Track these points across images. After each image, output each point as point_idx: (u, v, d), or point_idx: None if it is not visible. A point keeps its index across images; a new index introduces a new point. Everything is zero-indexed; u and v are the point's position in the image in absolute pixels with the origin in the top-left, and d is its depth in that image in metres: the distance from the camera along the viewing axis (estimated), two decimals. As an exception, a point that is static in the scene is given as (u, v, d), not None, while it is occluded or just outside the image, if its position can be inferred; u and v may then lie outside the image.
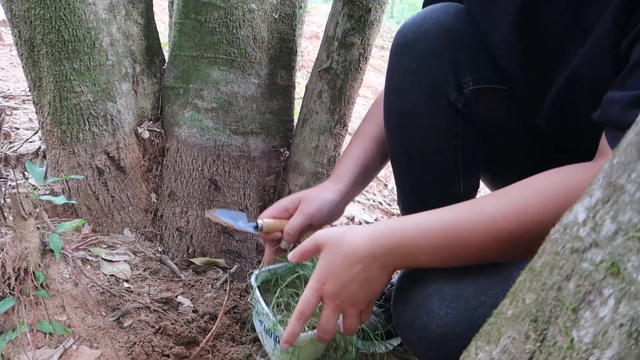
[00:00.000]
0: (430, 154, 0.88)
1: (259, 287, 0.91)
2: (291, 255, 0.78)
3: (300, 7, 1.26)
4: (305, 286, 0.74)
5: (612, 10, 0.61)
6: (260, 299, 0.86)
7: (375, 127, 0.99)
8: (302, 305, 0.71)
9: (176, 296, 1.13)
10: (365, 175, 1.01)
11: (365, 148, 0.98)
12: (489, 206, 0.64)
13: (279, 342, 0.84)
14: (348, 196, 0.98)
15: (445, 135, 0.84)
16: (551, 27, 0.72)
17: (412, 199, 0.97)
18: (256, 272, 0.93)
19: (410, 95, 0.84)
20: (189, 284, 1.19)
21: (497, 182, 1.03)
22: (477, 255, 0.65)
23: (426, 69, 0.81)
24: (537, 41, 0.74)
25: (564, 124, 0.77)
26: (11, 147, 1.46)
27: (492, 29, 0.79)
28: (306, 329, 0.81)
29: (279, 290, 0.88)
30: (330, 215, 0.95)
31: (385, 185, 2.18)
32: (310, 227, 0.94)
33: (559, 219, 0.57)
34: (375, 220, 1.79)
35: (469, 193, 0.93)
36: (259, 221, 0.92)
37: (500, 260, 0.67)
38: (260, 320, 0.89)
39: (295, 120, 1.31)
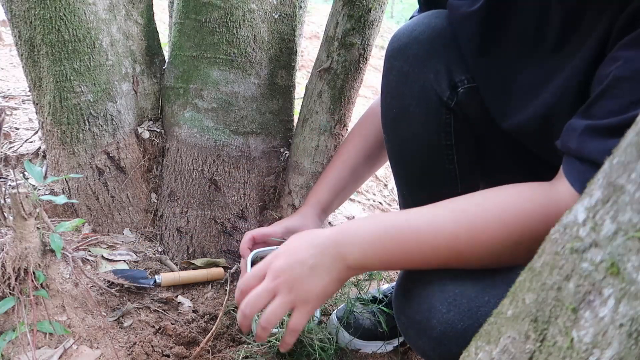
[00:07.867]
0: (425, 154, 0.89)
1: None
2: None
3: (300, 7, 1.26)
4: None
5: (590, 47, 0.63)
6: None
7: (352, 149, 1.09)
8: (244, 278, 0.74)
9: (176, 296, 1.13)
10: (341, 199, 1.11)
11: (341, 175, 1.08)
12: (439, 216, 0.67)
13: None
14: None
15: (437, 134, 0.86)
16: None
17: (412, 201, 0.97)
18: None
19: (403, 95, 0.86)
20: (189, 284, 1.19)
21: (493, 185, 1.04)
22: (420, 263, 0.68)
23: (418, 71, 0.84)
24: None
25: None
26: (11, 147, 1.46)
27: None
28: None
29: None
30: None
31: (385, 185, 2.18)
32: None
33: (506, 238, 0.62)
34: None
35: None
36: (157, 277, 1.07)
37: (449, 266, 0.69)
38: None
39: (295, 120, 1.31)
